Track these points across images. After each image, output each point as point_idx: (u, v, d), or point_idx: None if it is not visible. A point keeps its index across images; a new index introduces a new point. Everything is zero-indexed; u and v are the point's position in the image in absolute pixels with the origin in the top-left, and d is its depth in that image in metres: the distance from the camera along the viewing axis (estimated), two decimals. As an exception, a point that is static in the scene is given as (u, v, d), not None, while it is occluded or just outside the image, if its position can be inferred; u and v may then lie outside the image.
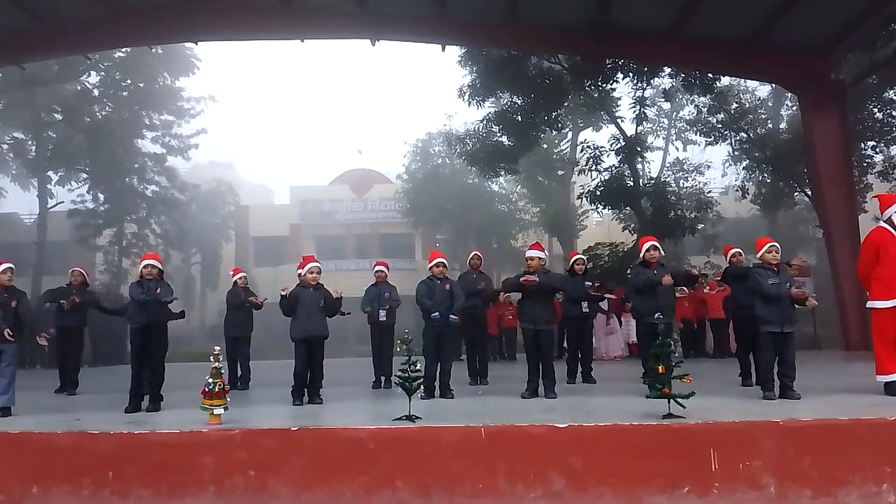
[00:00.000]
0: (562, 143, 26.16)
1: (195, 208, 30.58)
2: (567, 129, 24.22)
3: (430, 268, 7.72)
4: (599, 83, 17.57)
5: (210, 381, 5.37)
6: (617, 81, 17.76)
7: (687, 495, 4.83)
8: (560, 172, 26.00)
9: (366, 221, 35.28)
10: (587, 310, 9.15)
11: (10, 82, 24.51)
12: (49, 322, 8.78)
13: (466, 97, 18.06)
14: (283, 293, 7.20)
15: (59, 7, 14.24)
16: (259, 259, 33.95)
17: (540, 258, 7.16)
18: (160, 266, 7.01)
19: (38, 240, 26.51)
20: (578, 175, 21.56)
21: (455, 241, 29.39)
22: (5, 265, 6.84)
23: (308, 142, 79.76)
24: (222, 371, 5.53)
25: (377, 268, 9.30)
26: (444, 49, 16.64)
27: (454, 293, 7.62)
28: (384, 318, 8.96)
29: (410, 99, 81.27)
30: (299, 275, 7.45)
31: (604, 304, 13.54)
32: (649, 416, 5.30)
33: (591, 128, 24.93)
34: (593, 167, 18.18)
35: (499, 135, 18.47)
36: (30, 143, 27.71)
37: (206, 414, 5.34)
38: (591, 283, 9.24)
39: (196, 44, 19.34)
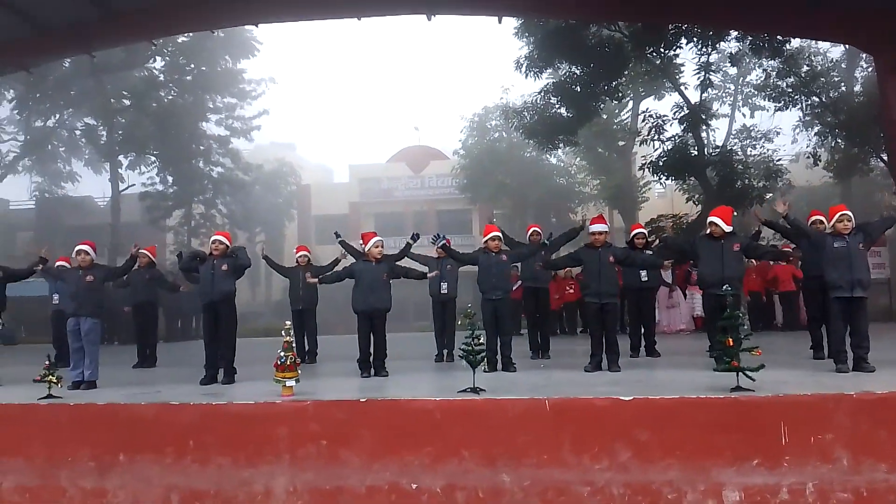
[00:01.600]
0: (622, 113, 25.53)
1: (258, 189, 31.25)
2: (628, 99, 23.59)
3: (486, 241, 7.73)
4: (662, 49, 17.04)
5: (282, 354, 5.58)
6: (680, 47, 17.19)
7: (756, 468, 4.77)
8: (621, 143, 25.43)
9: (423, 198, 35.43)
10: (646, 279, 9.02)
11: (81, 71, 25.49)
12: (124, 300, 9.26)
13: (523, 69, 17.80)
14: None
15: (125, -4, 14.68)
16: (321, 237, 34.46)
17: (606, 231, 7.16)
18: (227, 242, 7.27)
19: (112, 221, 27.69)
20: (640, 145, 21.02)
21: (513, 216, 29.16)
22: (81, 247, 7.17)
23: (366, 120, 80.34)
24: (293, 345, 5.73)
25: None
26: (500, 21, 16.40)
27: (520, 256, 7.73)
28: (446, 292, 9.06)
29: (466, 73, 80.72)
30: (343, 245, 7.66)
31: (667, 277, 13.31)
32: (717, 389, 5.23)
33: (652, 96, 24.25)
34: (655, 137, 17.72)
35: (557, 106, 18.18)
36: (101, 128, 28.85)
37: (279, 386, 5.55)
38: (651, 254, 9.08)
39: (256, 26, 19.62)
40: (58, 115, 29.58)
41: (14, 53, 16.39)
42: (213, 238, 7.27)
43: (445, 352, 9.04)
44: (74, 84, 27.12)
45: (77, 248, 7.17)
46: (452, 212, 34.87)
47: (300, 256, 10.02)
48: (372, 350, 7.38)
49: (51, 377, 5.98)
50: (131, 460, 5.36)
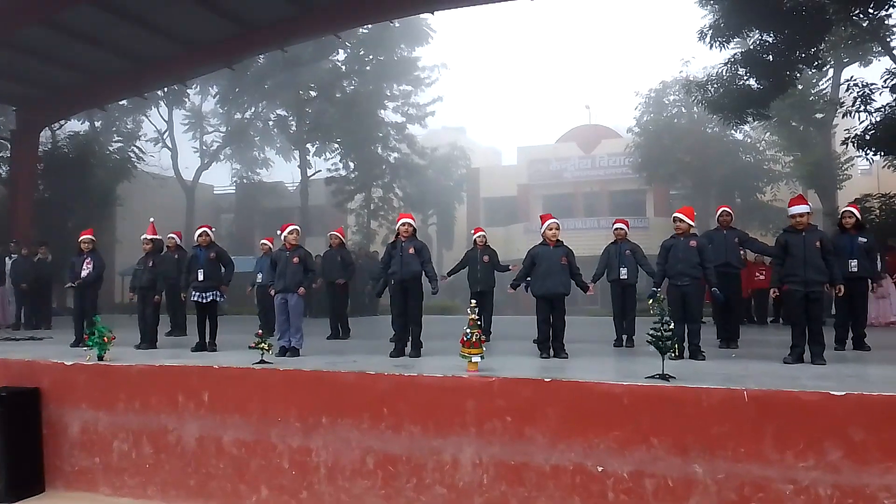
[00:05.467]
0: (821, 83, 23.15)
1: (431, 172, 32.27)
2: (828, 66, 21.33)
3: (678, 224, 7.38)
4: (870, 10, 15.18)
5: (468, 331, 5.75)
6: (893, 6, 15.21)
7: None
8: (819, 116, 23.06)
9: (594, 179, 34.65)
10: (856, 268, 8.14)
11: (275, 65, 27.80)
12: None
13: (708, 39, 16.67)
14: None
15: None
16: (490, 219, 35.02)
17: (808, 212, 6.57)
18: (414, 224, 7.59)
19: (301, 204, 30.09)
20: (842, 118, 18.90)
21: (693, 196, 27.64)
22: (291, 227, 7.88)
23: (535, 101, 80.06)
24: (479, 322, 5.88)
25: (617, 225, 9.14)
26: (683, -10, 15.55)
27: (704, 256, 7.23)
28: (625, 277, 8.81)
29: (642, 48, 77.50)
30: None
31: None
32: (949, 389, 4.64)
33: (858, 63, 21.71)
34: (861, 108, 15.84)
35: (746, 78, 16.82)
36: (291, 118, 31.34)
37: (465, 361, 5.73)
38: (864, 240, 8.17)
39: (432, 13, 20.12)
40: (254, 108, 32.58)
41: (223, 52, 18.26)
42: (402, 221, 7.59)
43: (625, 337, 8.81)
44: (269, 78, 29.67)
45: (290, 228, 7.87)
46: (626, 192, 33.80)
47: (478, 237, 10.19)
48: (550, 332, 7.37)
49: (263, 345, 6.63)
50: (333, 423, 5.82)
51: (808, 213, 6.63)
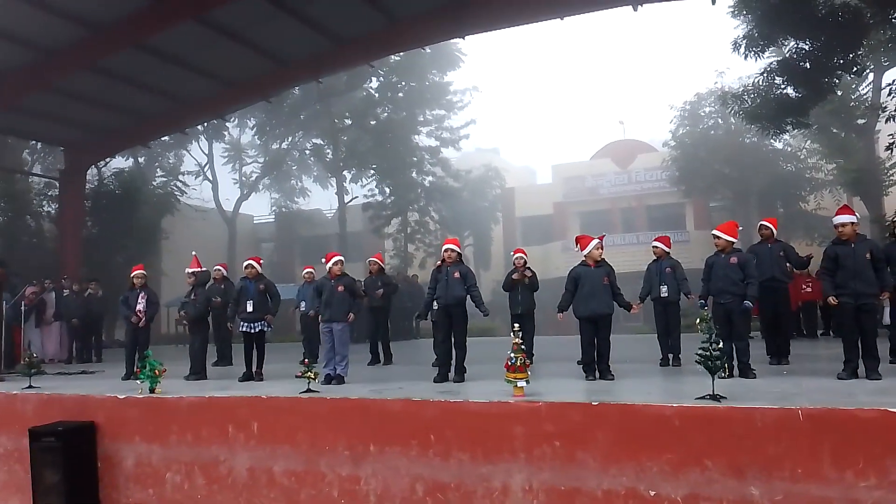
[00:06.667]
0: (861, 88, 22.65)
1: (466, 194, 32.35)
2: (868, 71, 20.86)
3: (716, 241, 7.33)
4: (911, 12, 14.85)
5: (512, 355, 5.74)
6: (934, 7, 14.86)
7: None
8: (860, 121, 22.56)
9: (631, 194, 34.35)
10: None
11: (310, 96, 28.39)
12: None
13: (742, 49, 16.50)
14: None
15: (348, 25, 16.05)
16: (526, 239, 34.86)
17: (853, 223, 6.43)
18: (458, 249, 7.66)
19: (340, 231, 30.44)
20: (885, 122, 18.44)
21: (734, 207, 27.19)
22: (336, 257, 7.99)
23: (569, 118, 79.91)
24: (522, 346, 5.87)
25: (654, 243, 9.06)
26: (714, 2, 15.45)
27: (748, 272, 7.09)
28: (666, 294, 8.70)
29: (674, 61, 76.93)
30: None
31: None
32: None
33: (898, 65, 21.25)
34: (905, 112, 15.49)
35: (783, 86, 16.59)
36: (326, 147, 31.88)
37: (511, 386, 5.71)
38: None
39: (463, 38, 20.32)
40: (290, 138, 33.26)
41: (260, 87, 18.73)
42: (446, 247, 7.68)
43: (671, 355, 8.67)
44: (304, 109, 30.30)
45: (334, 258, 7.99)
46: (664, 206, 33.40)
47: (517, 258, 10.17)
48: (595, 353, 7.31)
49: (309, 374, 6.71)
50: (381, 451, 5.85)
51: (853, 223, 6.49)
